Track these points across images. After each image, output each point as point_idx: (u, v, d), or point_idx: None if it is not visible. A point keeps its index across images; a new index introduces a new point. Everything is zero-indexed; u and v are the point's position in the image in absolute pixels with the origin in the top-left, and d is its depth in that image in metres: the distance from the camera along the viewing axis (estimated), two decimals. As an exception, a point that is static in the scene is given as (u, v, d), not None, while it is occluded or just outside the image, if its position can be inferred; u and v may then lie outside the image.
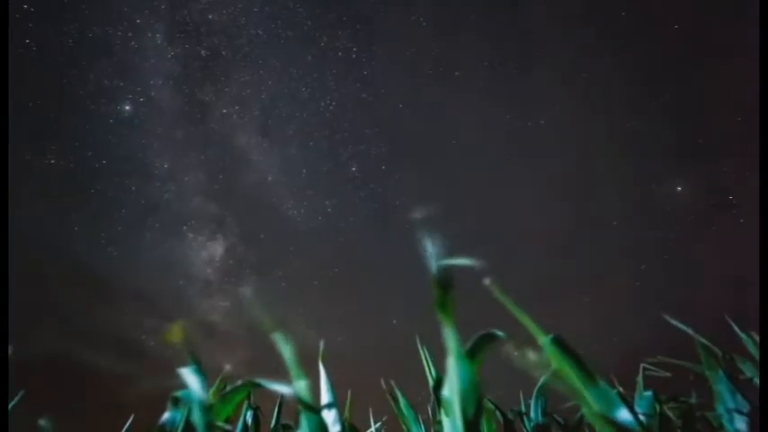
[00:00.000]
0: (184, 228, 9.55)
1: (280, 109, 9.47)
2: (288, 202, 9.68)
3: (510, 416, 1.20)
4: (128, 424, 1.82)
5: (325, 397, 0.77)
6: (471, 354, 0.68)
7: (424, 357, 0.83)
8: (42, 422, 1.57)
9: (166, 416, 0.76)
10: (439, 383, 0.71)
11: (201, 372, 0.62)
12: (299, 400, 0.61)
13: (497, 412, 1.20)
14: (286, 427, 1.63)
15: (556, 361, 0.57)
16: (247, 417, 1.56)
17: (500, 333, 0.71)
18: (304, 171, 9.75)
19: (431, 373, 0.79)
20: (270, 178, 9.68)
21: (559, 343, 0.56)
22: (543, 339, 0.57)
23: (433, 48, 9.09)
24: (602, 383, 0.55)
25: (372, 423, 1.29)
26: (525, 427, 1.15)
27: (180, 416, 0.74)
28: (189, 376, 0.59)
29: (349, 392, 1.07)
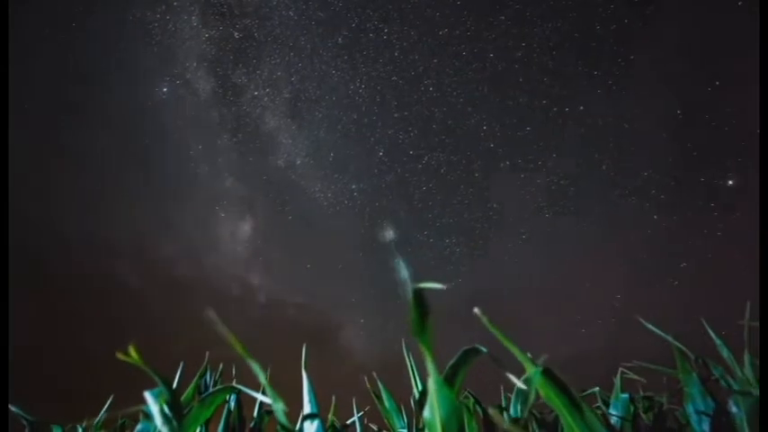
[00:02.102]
0: (216, 207, 9.66)
1: (309, 92, 9.37)
2: (315, 185, 9.76)
3: (492, 412, 1.24)
4: (108, 404, 1.81)
5: (307, 407, 0.76)
6: (453, 373, 0.67)
7: (409, 365, 0.82)
8: (13, 408, 1.54)
9: (140, 427, 0.73)
10: (423, 398, 0.70)
11: (169, 391, 0.59)
12: (278, 422, 0.59)
13: (477, 406, 1.23)
14: (269, 412, 1.64)
15: (544, 391, 0.56)
16: (230, 400, 1.56)
17: (483, 349, 0.70)
18: (332, 155, 9.66)
19: (416, 383, 0.78)
20: (298, 161, 9.75)
21: (548, 374, 0.55)
22: (532, 371, 0.55)
23: (468, 27, 8.59)
24: (589, 413, 0.54)
25: (355, 413, 1.31)
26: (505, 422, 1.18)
27: (153, 429, 0.72)
28: (153, 403, 0.55)
29: (333, 398, 1.06)
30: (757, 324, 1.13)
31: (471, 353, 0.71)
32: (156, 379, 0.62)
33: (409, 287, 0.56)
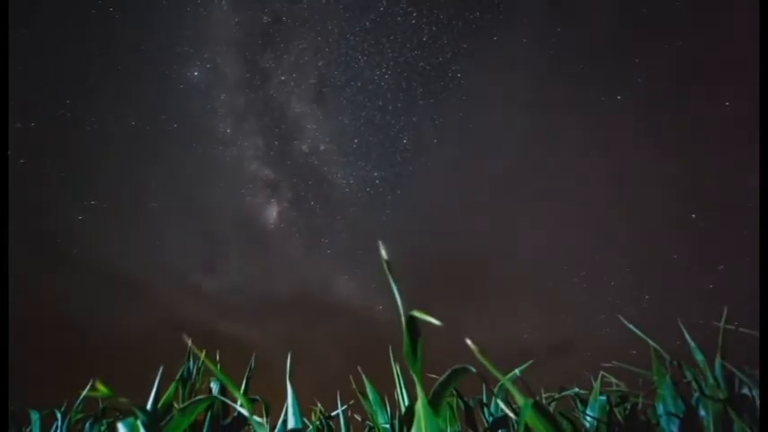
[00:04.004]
0: (242, 191, 9.75)
1: (335, 77, 9.26)
2: (338, 171, 9.88)
3: (471, 404, 1.27)
4: (86, 390, 1.79)
5: (291, 420, 0.75)
6: (441, 391, 0.67)
7: (396, 377, 0.82)
8: (13, 407, 1.50)
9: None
10: (409, 413, 0.70)
11: (144, 413, 0.56)
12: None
13: (459, 400, 1.26)
14: (254, 400, 1.65)
15: (531, 422, 0.56)
16: (213, 387, 1.55)
17: (473, 369, 0.70)
18: (355, 141, 9.60)
19: (402, 397, 0.77)
20: (322, 147, 9.83)
21: (537, 407, 0.55)
22: (523, 402, 0.55)
23: (501, 11, 8.04)
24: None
25: (339, 405, 1.33)
26: (484, 417, 1.22)
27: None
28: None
29: (318, 405, 1.06)
30: (732, 327, 1.17)
31: (460, 372, 0.71)
32: (132, 406, 0.59)
33: (403, 314, 0.54)
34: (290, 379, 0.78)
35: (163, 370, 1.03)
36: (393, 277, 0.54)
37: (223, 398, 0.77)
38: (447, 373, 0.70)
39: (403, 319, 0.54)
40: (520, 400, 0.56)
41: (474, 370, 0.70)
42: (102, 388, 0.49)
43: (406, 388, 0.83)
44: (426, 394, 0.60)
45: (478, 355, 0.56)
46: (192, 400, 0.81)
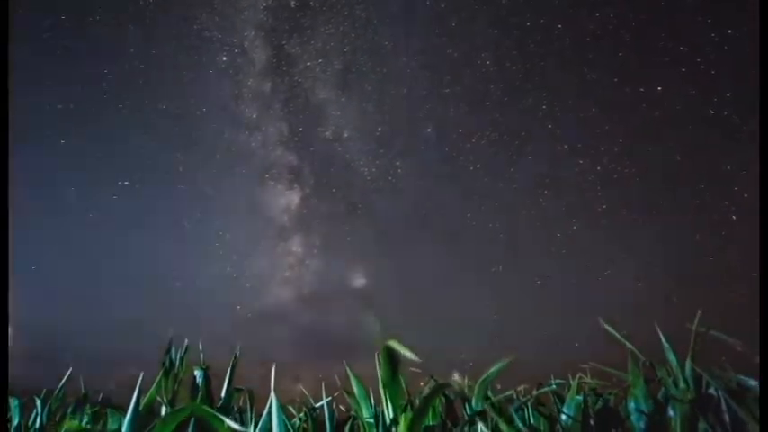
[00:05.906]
0: (266, 176, 9.82)
1: (360, 63, 8.99)
2: (360, 159, 9.80)
3: (452, 397, 1.31)
4: (65, 378, 1.77)
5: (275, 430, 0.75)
6: (424, 406, 0.68)
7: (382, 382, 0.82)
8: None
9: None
10: (394, 424, 0.70)
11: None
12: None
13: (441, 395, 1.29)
14: (238, 389, 1.66)
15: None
16: (198, 377, 1.55)
17: (454, 385, 0.72)
18: (379, 129, 9.40)
19: (387, 408, 0.78)
20: (346, 134, 9.69)
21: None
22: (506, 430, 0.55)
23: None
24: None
25: (324, 396, 1.35)
26: (464, 410, 1.26)
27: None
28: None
29: (304, 391, 1.06)
30: (703, 329, 1.22)
31: (443, 387, 0.72)
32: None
33: (380, 345, 0.54)
34: (274, 391, 0.78)
35: (141, 380, 1.01)
36: (365, 313, 0.52)
37: (209, 408, 0.76)
38: (430, 390, 0.71)
39: (381, 350, 0.53)
40: (502, 426, 0.57)
41: (456, 386, 0.71)
42: (70, 424, 0.47)
43: (393, 401, 0.84)
44: (410, 405, 0.60)
45: (463, 387, 0.56)
46: (174, 410, 0.80)
